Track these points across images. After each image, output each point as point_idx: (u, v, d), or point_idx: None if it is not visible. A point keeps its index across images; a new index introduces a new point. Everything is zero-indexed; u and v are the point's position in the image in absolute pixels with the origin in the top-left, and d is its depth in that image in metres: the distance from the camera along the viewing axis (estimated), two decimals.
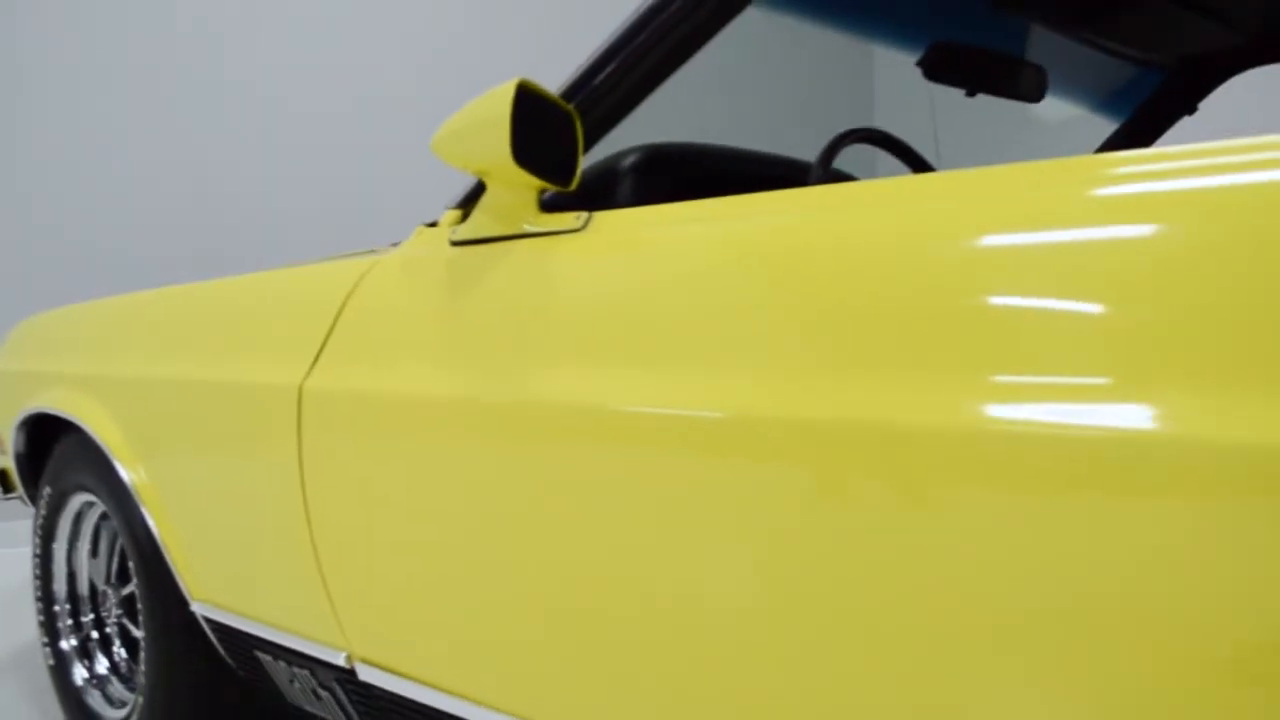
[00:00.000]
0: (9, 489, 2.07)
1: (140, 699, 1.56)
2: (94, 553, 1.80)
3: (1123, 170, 0.61)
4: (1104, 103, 1.82)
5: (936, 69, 1.35)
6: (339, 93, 4.03)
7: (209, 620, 1.41)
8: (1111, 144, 1.80)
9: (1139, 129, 1.80)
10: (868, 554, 0.65)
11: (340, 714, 1.26)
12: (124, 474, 1.51)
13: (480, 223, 1.01)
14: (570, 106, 0.96)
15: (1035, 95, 1.49)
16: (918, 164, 1.37)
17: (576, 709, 0.88)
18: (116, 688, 1.73)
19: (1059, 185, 0.63)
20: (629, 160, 1.09)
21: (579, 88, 0.97)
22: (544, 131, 0.94)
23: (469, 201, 1.04)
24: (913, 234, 0.67)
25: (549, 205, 1.01)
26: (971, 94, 1.43)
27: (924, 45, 1.36)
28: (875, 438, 0.64)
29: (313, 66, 4.00)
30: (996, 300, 0.62)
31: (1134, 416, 0.55)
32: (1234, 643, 0.51)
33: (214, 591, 1.38)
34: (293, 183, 3.94)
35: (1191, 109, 1.76)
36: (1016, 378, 0.59)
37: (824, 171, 1.09)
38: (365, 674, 1.14)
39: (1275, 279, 0.52)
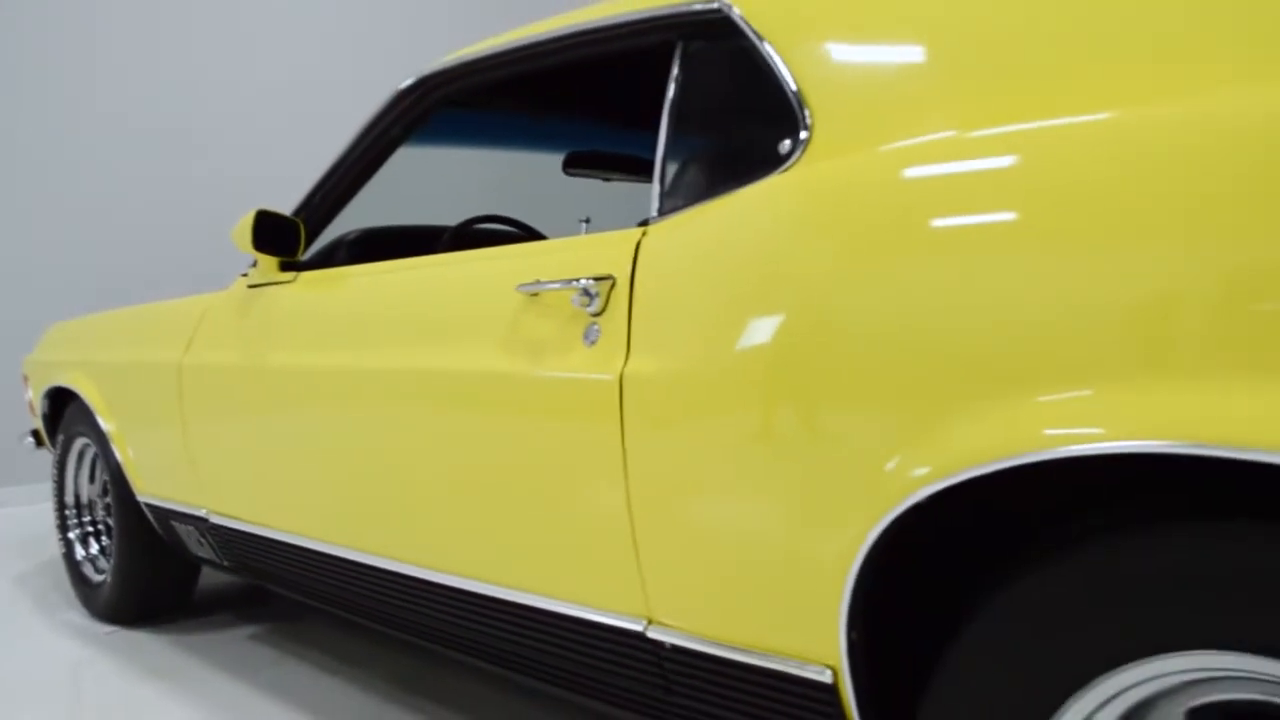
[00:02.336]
0: (40, 443, 3.05)
1: (112, 563, 2.52)
2: (91, 479, 2.76)
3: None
4: None
5: (574, 166, 2.24)
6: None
7: (147, 505, 2.36)
8: None
9: None
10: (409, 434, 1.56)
11: (212, 552, 2.20)
12: (103, 424, 2.47)
13: (257, 276, 1.95)
14: (297, 218, 1.90)
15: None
16: (531, 234, 2.27)
17: (313, 521, 1.79)
18: (101, 562, 2.69)
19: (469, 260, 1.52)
20: (349, 237, 2.01)
21: (302, 207, 1.90)
22: (282, 230, 1.87)
23: (255, 263, 1.98)
24: (453, 281, 1.56)
25: (296, 266, 1.94)
26: (607, 180, 2.31)
27: (563, 151, 2.25)
28: (426, 377, 1.56)
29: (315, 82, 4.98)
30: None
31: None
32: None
33: (148, 487, 2.33)
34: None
35: None
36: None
37: (450, 242, 1.99)
38: (213, 519, 2.08)
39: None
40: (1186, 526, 0.80)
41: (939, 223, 0.93)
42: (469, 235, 2.06)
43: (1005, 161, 0.91)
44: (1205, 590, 0.78)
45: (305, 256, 1.95)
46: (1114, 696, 0.88)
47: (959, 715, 0.94)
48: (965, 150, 0.95)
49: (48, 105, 4.53)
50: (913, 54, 1.10)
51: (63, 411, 2.78)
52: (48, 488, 4.48)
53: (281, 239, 1.86)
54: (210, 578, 2.99)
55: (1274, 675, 0.77)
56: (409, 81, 1.70)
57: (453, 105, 1.82)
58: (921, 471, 0.90)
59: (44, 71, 4.52)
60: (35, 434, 3.07)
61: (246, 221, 1.83)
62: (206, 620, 2.60)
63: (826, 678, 1.04)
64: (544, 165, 2.32)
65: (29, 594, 2.92)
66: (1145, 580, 0.81)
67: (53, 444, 2.88)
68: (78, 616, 2.66)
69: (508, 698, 2.01)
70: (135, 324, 2.42)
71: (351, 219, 2.05)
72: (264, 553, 1.96)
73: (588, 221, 2.00)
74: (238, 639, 2.44)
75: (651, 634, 1.21)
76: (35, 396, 2.91)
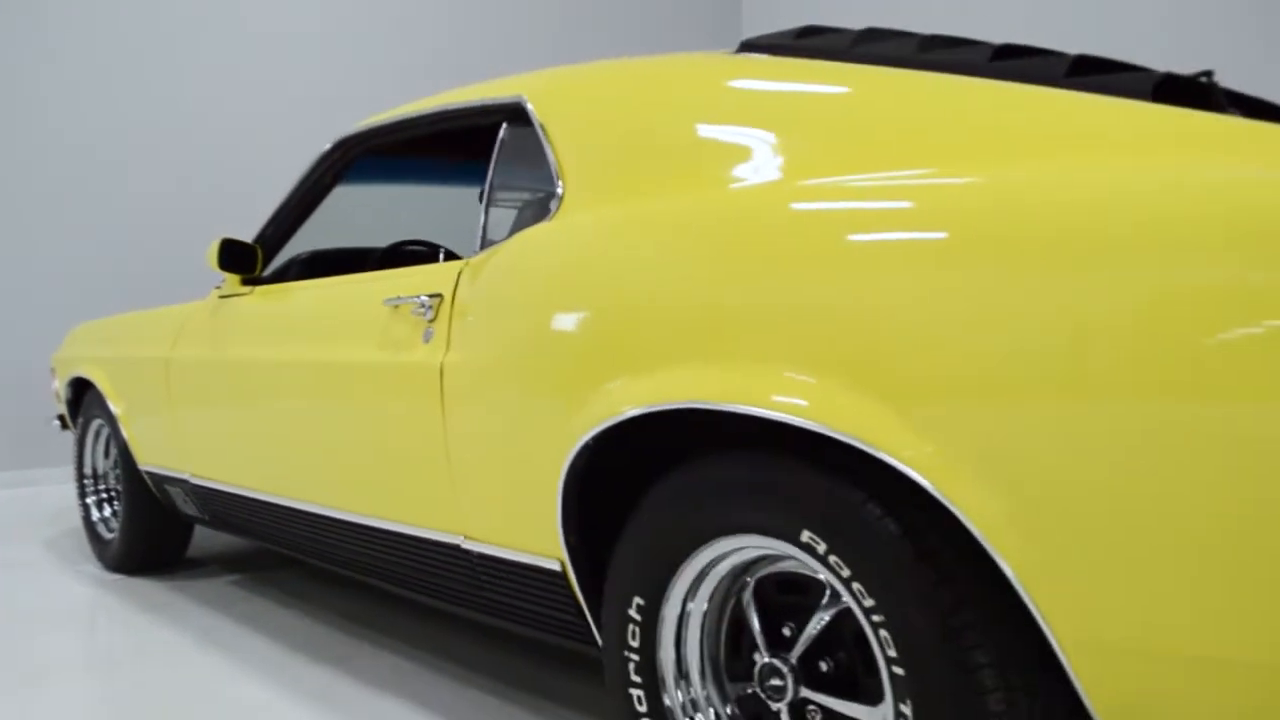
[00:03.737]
0: (64, 425, 3.63)
1: (120, 522, 3.08)
2: (105, 454, 3.33)
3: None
4: None
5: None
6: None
7: (146, 473, 2.91)
8: None
9: None
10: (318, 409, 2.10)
11: (194, 509, 2.75)
12: (113, 408, 3.03)
13: (226, 289, 2.50)
14: (254, 244, 2.44)
15: None
16: (450, 256, 2.79)
17: (259, 477, 2.33)
18: (112, 523, 3.26)
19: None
20: (301, 257, 2.55)
21: (260, 236, 2.44)
22: (242, 253, 2.41)
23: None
24: (354, 297, 2.11)
25: (255, 281, 2.48)
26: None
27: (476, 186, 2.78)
28: (326, 368, 2.10)
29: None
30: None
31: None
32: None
33: (147, 458, 2.89)
34: None
35: None
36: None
37: (378, 261, 2.51)
38: (193, 480, 2.63)
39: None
40: (725, 455, 1.30)
41: (626, 258, 1.43)
42: (394, 255, 2.60)
43: (686, 219, 1.39)
44: (734, 494, 1.28)
45: (267, 273, 2.49)
46: (708, 567, 1.38)
47: (619, 585, 1.45)
48: (665, 214, 1.44)
49: (79, 132, 5.14)
50: (637, 144, 1.61)
51: (82, 398, 3.35)
52: (70, 470, 5.09)
53: (241, 260, 2.41)
54: (200, 541, 3.55)
55: (783, 551, 1.27)
56: (329, 144, 2.23)
57: (375, 155, 2.36)
58: (591, 418, 1.41)
59: (79, 92, 5.13)
60: (60, 418, 3.65)
61: (214, 246, 2.38)
62: (195, 571, 3.16)
63: (556, 567, 1.55)
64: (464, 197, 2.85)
65: (55, 551, 3.50)
66: (704, 488, 1.32)
67: (74, 426, 3.45)
68: (92, 567, 3.23)
69: (426, 627, 2.54)
70: (137, 325, 2.99)
71: (312, 240, 2.59)
72: (229, 505, 2.50)
73: (446, 253, 2.53)
74: (218, 584, 2.99)
75: (465, 546, 1.73)
76: (60, 385, 3.49)
